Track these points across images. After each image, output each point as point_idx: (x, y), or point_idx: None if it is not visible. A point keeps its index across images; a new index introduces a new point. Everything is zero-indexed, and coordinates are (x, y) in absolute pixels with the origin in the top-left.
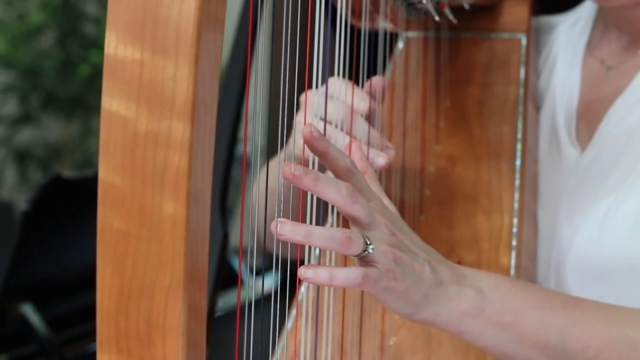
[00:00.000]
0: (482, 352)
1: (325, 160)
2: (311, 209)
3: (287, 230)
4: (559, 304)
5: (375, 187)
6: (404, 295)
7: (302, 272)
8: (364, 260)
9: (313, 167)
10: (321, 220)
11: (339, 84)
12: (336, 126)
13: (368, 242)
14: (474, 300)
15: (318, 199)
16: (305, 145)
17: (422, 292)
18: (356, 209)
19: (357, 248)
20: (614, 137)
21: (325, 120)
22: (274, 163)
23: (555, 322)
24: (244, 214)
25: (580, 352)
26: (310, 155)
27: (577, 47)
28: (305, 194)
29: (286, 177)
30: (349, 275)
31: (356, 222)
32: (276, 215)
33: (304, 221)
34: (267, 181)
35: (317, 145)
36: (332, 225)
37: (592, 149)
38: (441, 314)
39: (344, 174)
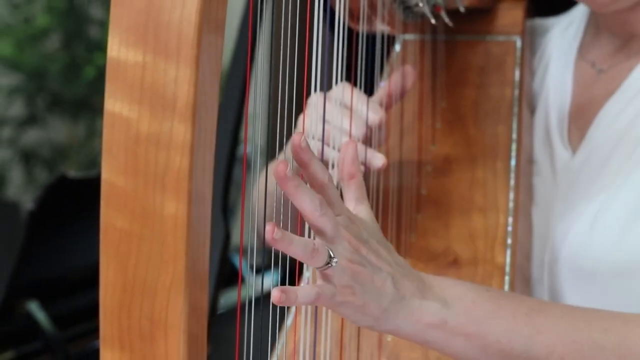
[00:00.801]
0: None
1: (305, 170)
2: None
3: (278, 235)
4: (524, 310)
5: (360, 194)
6: (362, 310)
7: (275, 294)
8: (324, 273)
9: None
10: None
11: (348, 93)
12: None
13: (332, 256)
14: (437, 313)
15: None
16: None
17: (382, 307)
18: (322, 222)
19: (321, 260)
20: (605, 139)
21: (323, 122)
22: (274, 165)
23: (519, 330)
24: (245, 214)
25: (545, 359)
26: None
27: (570, 50)
28: None
29: (276, 174)
30: (305, 294)
31: (321, 234)
32: (274, 217)
33: (303, 221)
34: (266, 182)
35: (302, 156)
36: None
37: (584, 151)
38: (402, 327)
39: (319, 187)
